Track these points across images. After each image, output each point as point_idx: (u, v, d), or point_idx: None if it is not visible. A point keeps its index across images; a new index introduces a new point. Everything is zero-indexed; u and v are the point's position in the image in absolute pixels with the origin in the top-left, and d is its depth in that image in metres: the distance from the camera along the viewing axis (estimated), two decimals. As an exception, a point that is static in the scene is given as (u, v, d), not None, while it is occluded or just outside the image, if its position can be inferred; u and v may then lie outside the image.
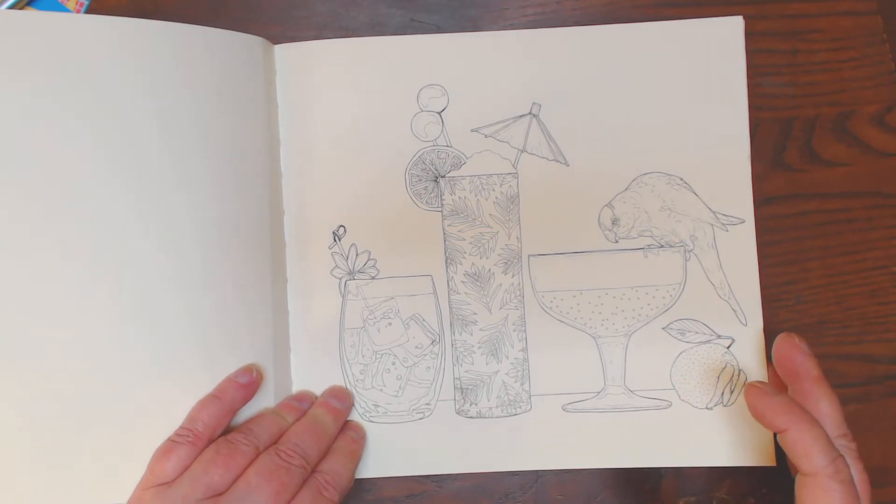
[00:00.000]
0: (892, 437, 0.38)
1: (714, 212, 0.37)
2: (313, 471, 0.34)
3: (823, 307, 0.39)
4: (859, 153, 0.39)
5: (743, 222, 0.37)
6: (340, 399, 0.37)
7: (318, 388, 0.38)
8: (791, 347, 0.33)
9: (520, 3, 0.40)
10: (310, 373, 0.38)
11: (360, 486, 0.39)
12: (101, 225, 0.33)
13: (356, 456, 0.36)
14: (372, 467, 0.38)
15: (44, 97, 0.32)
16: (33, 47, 0.32)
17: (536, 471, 0.38)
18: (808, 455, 0.30)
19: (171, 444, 0.32)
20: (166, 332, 0.34)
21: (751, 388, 0.32)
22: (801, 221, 0.39)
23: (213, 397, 0.34)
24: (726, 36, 0.37)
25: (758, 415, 0.32)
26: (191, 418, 0.33)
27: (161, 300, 0.34)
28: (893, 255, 0.39)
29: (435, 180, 0.38)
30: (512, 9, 0.40)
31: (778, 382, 0.35)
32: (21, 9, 0.40)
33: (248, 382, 0.34)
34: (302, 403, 0.36)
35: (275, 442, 0.34)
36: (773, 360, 0.35)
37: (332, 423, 0.36)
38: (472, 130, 0.38)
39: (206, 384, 0.34)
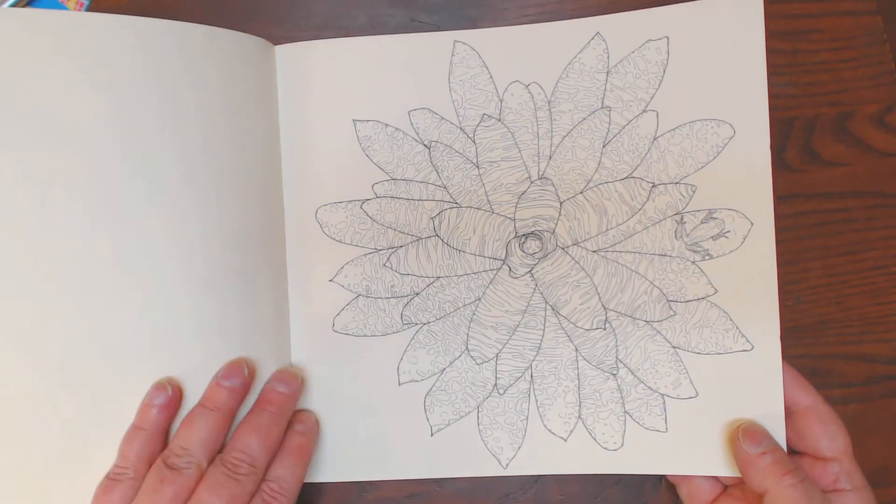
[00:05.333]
0: (892, 437, 0.38)
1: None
2: (264, 476, 0.33)
3: (823, 307, 0.39)
4: (859, 153, 0.39)
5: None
6: (287, 383, 0.35)
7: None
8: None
9: (520, 3, 0.40)
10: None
11: (360, 486, 0.39)
12: (104, 225, 0.33)
13: (305, 452, 0.35)
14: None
15: (47, 95, 0.32)
16: (36, 45, 0.32)
17: (536, 471, 0.38)
18: None
19: (110, 481, 0.31)
20: (166, 331, 0.34)
21: (738, 447, 0.34)
22: (801, 221, 0.39)
23: (137, 429, 0.33)
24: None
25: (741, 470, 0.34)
26: (121, 454, 0.32)
27: (161, 299, 0.34)
28: (893, 255, 0.39)
29: (435, 180, 0.38)
30: (512, 9, 0.40)
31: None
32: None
33: (165, 402, 0.33)
34: (232, 381, 0.34)
35: (215, 448, 0.32)
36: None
37: (279, 413, 0.34)
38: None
39: (205, 384, 0.34)
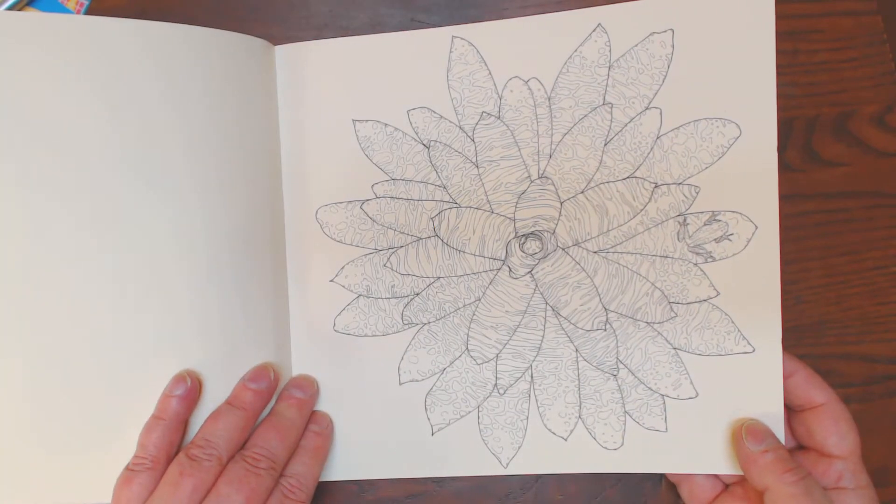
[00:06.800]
0: (892, 437, 0.38)
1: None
2: (283, 473, 0.34)
3: (823, 307, 0.39)
4: (859, 153, 0.39)
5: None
6: (304, 388, 0.37)
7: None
8: None
9: (520, 3, 0.40)
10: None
11: (360, 486, 0.39)
12: (106, 225, 0.33)
13: (321, 451, 0.36)
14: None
15: (48, 98, 0.32)
16: (36, 49, 0.32)
17: (537, 471, 0.38)
18: None
19: (130, 473, 0.32)
20: (168, 330, 0.34)
21: (741, 444, 0.34)
22: (801, 221, 0.39)
23: (156, 419, 0.33)
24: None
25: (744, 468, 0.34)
26: (141, 445, 0.33)
27: (163, 298, 0.34)
28: (893, 255, 0.39)
29: (435, 180, 0.38)
30: (511, 9, 0.40)
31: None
32: (21, 9, 0.40)
33: (185, 394, 0.33)
34: (259, 384, 0.35)
35: (237, 445, 0.33)
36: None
37: (297, 415, 0.36)
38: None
39: (207, 383, 0.35)
